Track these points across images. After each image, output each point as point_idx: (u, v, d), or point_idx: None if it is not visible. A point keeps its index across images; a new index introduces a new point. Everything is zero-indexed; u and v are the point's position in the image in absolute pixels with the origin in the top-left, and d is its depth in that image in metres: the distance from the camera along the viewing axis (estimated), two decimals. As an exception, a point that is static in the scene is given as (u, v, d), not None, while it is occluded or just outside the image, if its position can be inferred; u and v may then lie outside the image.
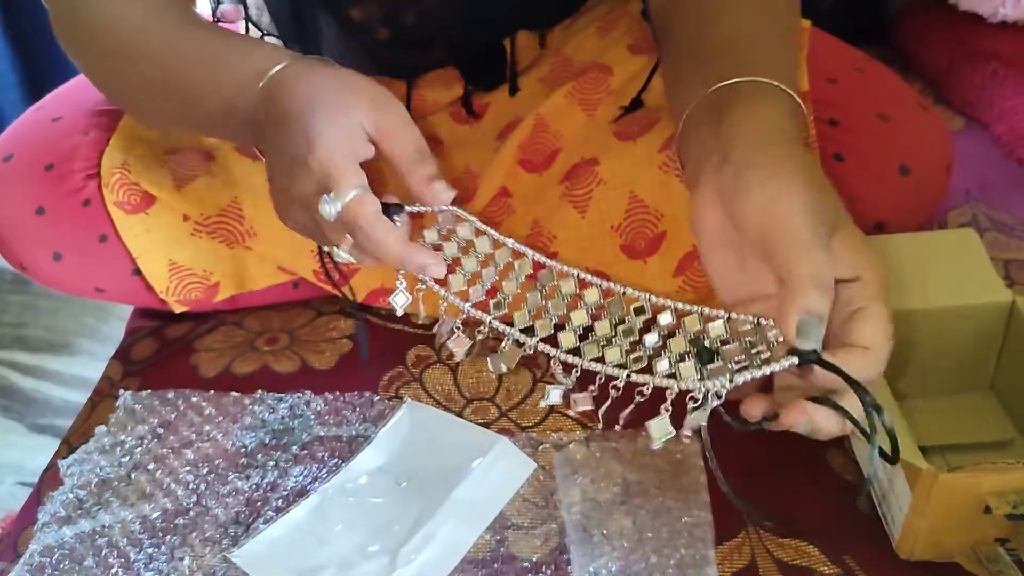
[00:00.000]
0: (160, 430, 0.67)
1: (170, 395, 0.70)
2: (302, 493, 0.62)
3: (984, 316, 0.62)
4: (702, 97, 0.55)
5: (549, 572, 0.56)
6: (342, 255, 0.57)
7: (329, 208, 0.52)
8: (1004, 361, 0.64)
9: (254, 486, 0.62)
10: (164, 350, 0.76)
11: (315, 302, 0.79)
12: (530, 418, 0.67)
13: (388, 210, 0.55)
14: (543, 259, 0.56)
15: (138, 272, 0.74)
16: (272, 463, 0.64)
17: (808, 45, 0.75)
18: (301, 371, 0.72)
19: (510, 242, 0.57)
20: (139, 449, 0.66)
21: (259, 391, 0.69)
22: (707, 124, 0.53)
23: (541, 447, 0.64)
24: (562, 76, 0.76)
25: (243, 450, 0.65)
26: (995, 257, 0.84)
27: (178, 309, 0.76)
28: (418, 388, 0.70)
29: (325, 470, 0.63)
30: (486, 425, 0.67)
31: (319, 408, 0.68)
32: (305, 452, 0.65)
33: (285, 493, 0.62)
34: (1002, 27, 1.05)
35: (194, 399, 0.69)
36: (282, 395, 0.69)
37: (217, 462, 0.64)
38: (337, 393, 0.69)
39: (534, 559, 0.57)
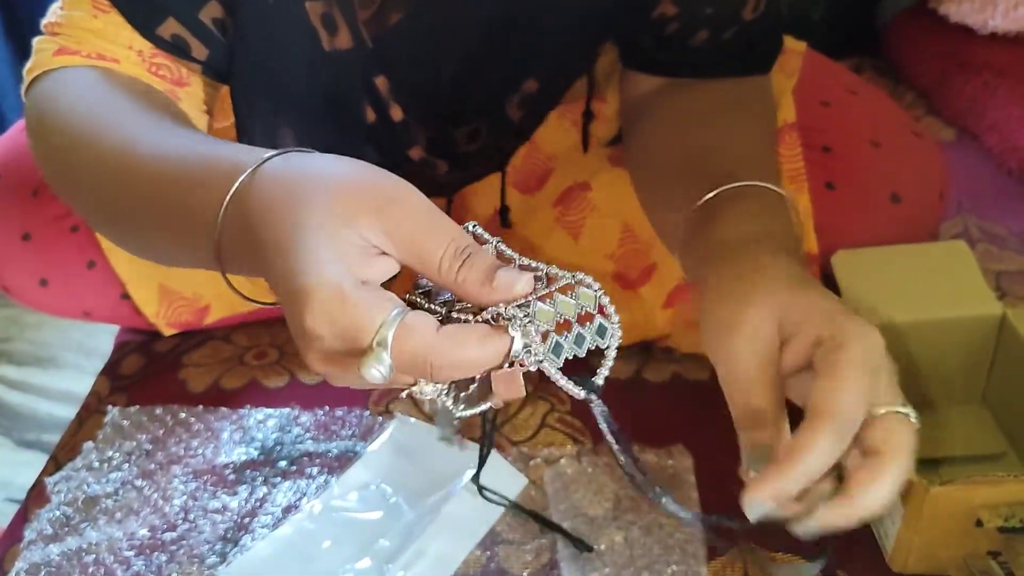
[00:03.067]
0: (148, 446, 0.67)
1: (158, 411, 0.69)
2: (291, 509, 0.61)
3: (975, 328, 0.62)
4: (687, 218, 0.53)
5: (540, 588, 0.56)
6: (427, 390, 0.42)
7: (374, 371, 0.37)
8: (995, 373, 0.64)
9: (242, 502, 0.62)
10: (152, 365, 0.75)
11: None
12: (522, 433, 0.67)
13: (430, 299, 0.41)
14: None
15: (127, 296, 0.74)
16: (260, 479, 0.63)
17: (801, 67, 0.75)
18: (290, 385, 0.72)
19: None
20: (127, 465, 0.65)
21: (247, 406, 0.69)
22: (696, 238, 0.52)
23: (532, 462, 0.64)
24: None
25: (231, 466, 0.64)
26: (986, 269, 0.84)
27: (168, 332, 0.76)
28: (408, 403, 0.70)
29: (314, 486, 0.63)
30: (477, 441, 0.66)
31: (308, 423, 0.67)
32: (294, 468, 0.64)
33: (274, 509, 0.61)
34: (992, 38, 1.06)
35: (182, 415, 0.69)
36: (271, 410, 0.69)
37: (205, 478, 0.64)
38: (327, 408, 0.69)
39: (525, 575, 0.56)
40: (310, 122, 0.62)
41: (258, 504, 0.62)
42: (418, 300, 0.41)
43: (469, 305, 0.40)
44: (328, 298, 0.37)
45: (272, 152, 0.42)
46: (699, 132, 0.61)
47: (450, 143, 0.67)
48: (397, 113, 0.63)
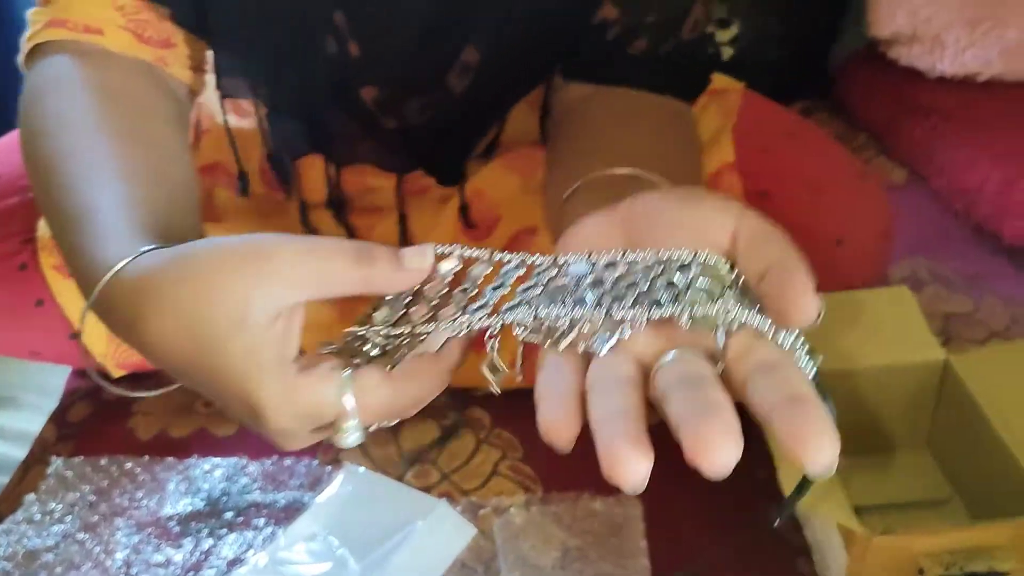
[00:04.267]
0: (92, 498, 0.65)
1: (103, 461, 0.68)
2: (236, 562, 0.60)
3: (918, 375, 0.63)
4: (595, 176, 0.52)
5: (486, 642, 0.55)
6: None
7: (351, 439, 0.39)
8: (939, 419, 0.65)
9: (187, 555, 0.61)
10: (100, 412, 0.74)
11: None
12: (472, 481, 0.67)
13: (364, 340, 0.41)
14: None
15: (76, 336, 0.73)
16: (206, 531, 0.63)
17: (739, 111, 0.76)
18: (239, 434, 0.71)
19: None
20: (69, 518, 0.64)
21: (194, 456, 0.68)
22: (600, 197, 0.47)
23: (481, 511, 0.64)
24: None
25: (176, 518, 0.64)
26: (935, 311, 0.86)
27: (117, 373, 0.75)
28: (358, 452, 0.69)
29: (260, 537, 0.62)
30: (427, 489, 0.66)
31: (256, 473, 0.67)
32: (240, 519, 0.64)
33: (219, 563, 0.61)
34: (940, 82, 1.08)
35: (128, 465, 0.68)
36: (218, 460, 0.68)
37: (149, 531, 0.63)
38: (275, 458, 0.68)
39: (471, 628, 0.56)
40: (275, 54, 0.63)
41: (203, 557, 0.61)
42: (358, 339, 0.41)
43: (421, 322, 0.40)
44: (278, 398, 0.38)
45: (119, 265, 0.41)
46: (617, 133, 0.61)
47: (401, 106, 0.68)
48: (354, 48, 0.63)
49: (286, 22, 0.62)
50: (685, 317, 0.36)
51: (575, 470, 0.63)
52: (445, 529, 0.62)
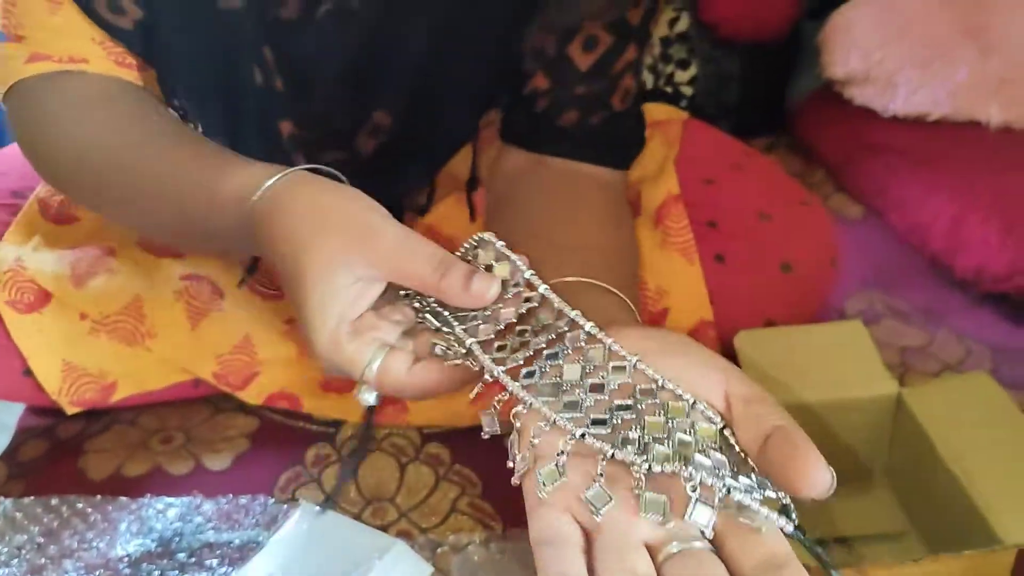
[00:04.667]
0: (40, 539, 0.64)
1: (54, 501, 0.67)
2: (188, 604, 0.59)
3: (872, 408, 0.64)
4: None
5: None
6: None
7: (364, 398, 0.49)
8: (894, 452, 0.66)
9: (137, 599, 0.60)
10: (53, 451, 0.73)
11: (214, 398, 0.77)
12: (431, 519, 0.66)
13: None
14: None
15: (29, 372, 0.71)
16: (157, 573, 0.61)
17: (684, 141, 0.77)
18: (195, 472, 0.70)
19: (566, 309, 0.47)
20: (16, 561, 0.62)
21: (147, 495, 0.67)
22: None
23: (440, 549, 0.63)
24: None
25: (127, 559, 0.62)
26: (891, 344, 0.87)
27: (71, 411, 0.73)
28: (316, 489, 0.68)
29: (214, 578, 0.61)
30: (385, 527, 0.65)
31: (210, 512, 0.66)
32: (193, 560, 0.62)
33: (170, 605, 0.59)
34: (893, 121, 1.11)
35: (79, 505, 0.66)
36: (171, 499, 0.67)
37: (98, 573, 0.61)
38: (230, 496, 0.67)
39: (427, 668, 0.55)
40: (202, 80, 0.65)
41: (154, 600, 0.60)
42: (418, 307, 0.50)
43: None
44: (326, 345, 0.47)
45: (275, 177, 0.50)
46: (555, 230, 0.61)
47: (313, 147, 0.69)
48: (279, 84, 0.65)
49: (219, 50, 0.63)
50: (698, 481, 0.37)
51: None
52: (402, 568, 0.61)
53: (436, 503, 0.67)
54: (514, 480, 0.41)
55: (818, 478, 0.36)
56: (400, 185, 0.75)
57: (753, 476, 0.39)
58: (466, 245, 0.51)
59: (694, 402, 0.41)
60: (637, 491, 0.38)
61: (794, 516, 0.38)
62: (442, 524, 0.66)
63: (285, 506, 0.66)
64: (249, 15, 0.61)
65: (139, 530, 0.64)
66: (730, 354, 0.72)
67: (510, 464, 0.42)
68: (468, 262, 0.50)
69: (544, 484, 0.39)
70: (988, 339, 0.87)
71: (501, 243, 0.50)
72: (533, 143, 0.67)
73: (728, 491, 0.37)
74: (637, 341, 0.43)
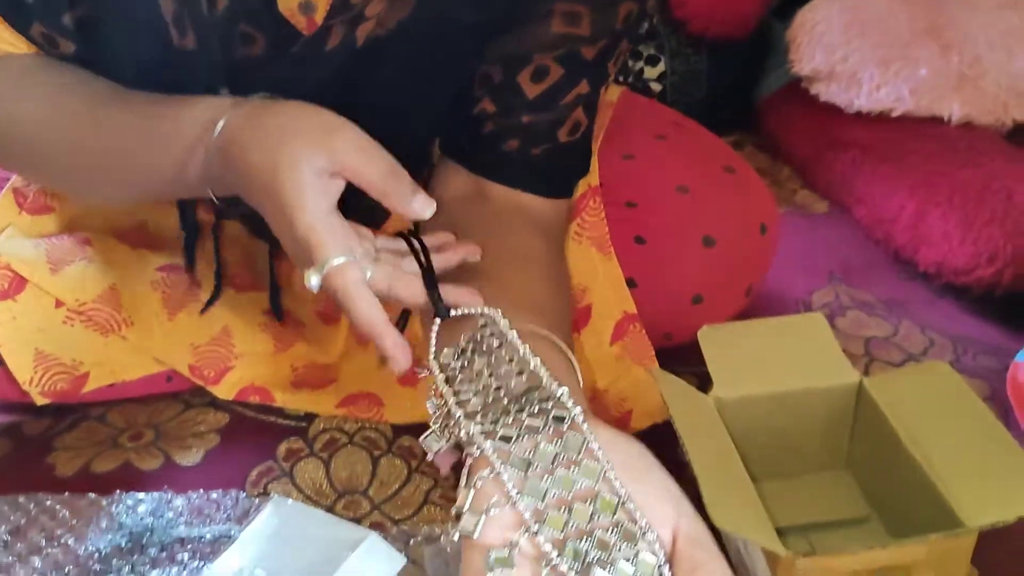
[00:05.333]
0: (7, 537, 0.63)
1: (21, 499, 0.66)
2: (160, 599, 0.59)
3: (834, 397, 0.65)
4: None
5: (415, 671, 0.55)
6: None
7: (311, 281, 0.51)
8: (856, 439, 0.67)
9: (107, 594, 0.60)
10: (20, 449, 0.72)
11: (184, 394, 0.77)
12: (403, 511, 0.66)
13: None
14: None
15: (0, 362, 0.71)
16: (128, 568, 0.61)
17: (614, 115, 0.76)
18: (165, 468, 0.70)
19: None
20: (-16, 558, 0.62)
21: (117, 491, 0.67)
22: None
23: (412, 540, 0.63)
24: None
25: (97, 555, 0.62)
26: (856, 335, 0.89)
27: (40, 401, 0.73)
28: (288, 483, 0.68)
29: (185, 573, 0.61)
30: (358, 519, 0.66)
31: (181, 507, 0.66)
32: (164, 555, 0.62)
33: (141, 600, 0.59)
34: (858, 117, 1.13)
35: (47, 502, 0.66)
36: (142, 495, 0.66)
37: (68, 570, 0.61)
38: (201, 491, 0.67)
39: (400, 657, 0.56)
40: None
41: (124, 595, 0.60)
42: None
43: None
44: (307, 222, 0.50)
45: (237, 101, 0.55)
46: (506, 276, 0.60)
47: None
48: None
49: (169, 87, 0.61)
50: None
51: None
52: (375, 560, 0.61)
53: (409, 495, 0.68)
54: (452, 534, 0.43)
55: None
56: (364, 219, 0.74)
57: None
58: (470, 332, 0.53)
59: (646, 531, 0.42)
60: None
61: None
62: (415, 516, 0.66)
63: (257, 500, 0.66)
64: (205, 55, 0.60)
65: (109, 526, 0.64)
66: (660, 344, 0.73)
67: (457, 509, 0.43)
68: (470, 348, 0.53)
69: (492, 567, 0.41)
70: (950, 330, 0.89)
71: (505, 322, 0.52)
72: (474, 164, 0.67)
73: None
74: (607, 444, 0.45)
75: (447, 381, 0.51)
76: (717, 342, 0.67)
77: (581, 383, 0.52)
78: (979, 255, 0.90)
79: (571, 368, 0.53)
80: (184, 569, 0.61)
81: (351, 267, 0.50)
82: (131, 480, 0.68)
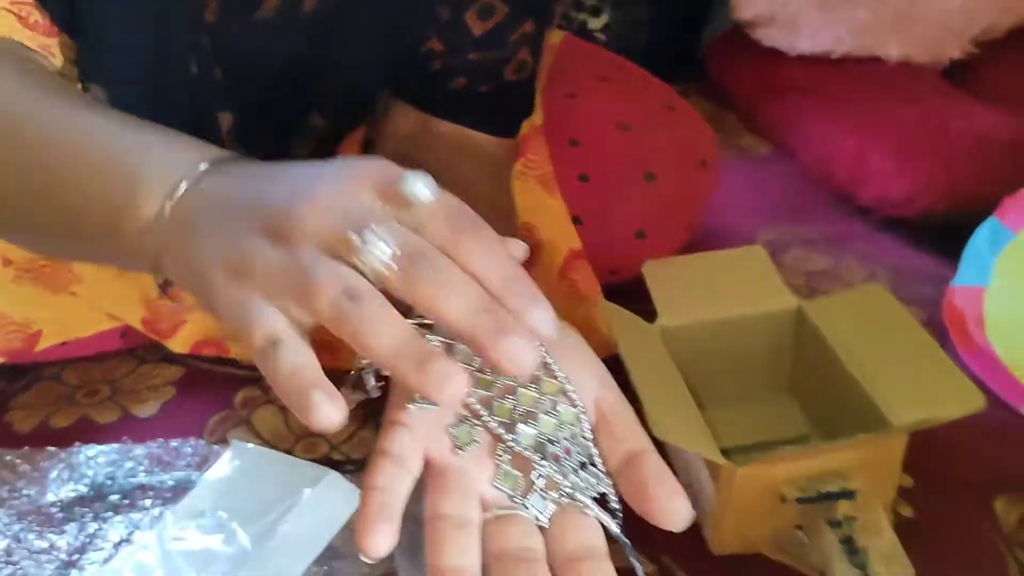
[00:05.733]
0: (-32, 492, 0.64)
1: (-20, 455, 0.67)
2: (123, 544, 0.60)
3: (774, 323, 0.67)
4: None
5: (377, 598, 0.57)
6: None
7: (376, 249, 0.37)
8: (798, 364, 0.69)
9: (71, 540, 0.60)
10: (-24, 408, 0.73)
11: (139, 350, 0.77)
12: (361, 450, 0.68)
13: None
14: None
15: None
16: (91, 515, 0.62)
17: (556, 57, 0.77)
18: (122, 420, 0.70)
19: None
20: (-56, 514, 0.63)
21: (76, 443, 0.67)
22: None
23: (370, 477, 0.65)
24: None
25: (59, 504, 0.63)
26: (798, 269, 0.91)
27: None
28: (246, 430, 0.69)
29: (148, 518, 0.62)
30: (317, 460, 0.67)
31: (141, 456, 0.66)
32: (127, 502, 0.63)
33: (104, 545, 0.60)
34: (799, 60, 1.15)
35: (7, 457, 0.66)
36: (102, 446, 0.67)
37: (31, 519, 0.62)
38: (160, 440, 0.68)
39: (361, 587, 0.57)
40: (130, 62, 0.61)
41: (88, 540, 0.60)
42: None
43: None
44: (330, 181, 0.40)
45: (201, 167, 0.43)
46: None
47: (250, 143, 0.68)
48: (218, 73, 0.63)
49: (152, 39, 0.61)
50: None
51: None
52: (335, 496, 0.62)
53: (367, 436, 0.69)
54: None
55: (682, 514, 0.39)
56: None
57: (597, 465, 0.43)
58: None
59: (566, 384, 0.43)
60: (499, 460, 0.41)
61: (619, 517, 0.41)
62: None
63: (216, 446, 0.67)
64: (187, 3, 0.59)
65: (70, 477, 0.65)
66: (606, 280, 0.75)
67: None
68: None
69: (415, 400, 0.41)
70: (889, 261, 0.92)
71: None
72: (422, 102, 0.68)
73: (571, 495, 0.41)
74: None
75: None
76: (661, 275, 0.69)
77: None
78: (916, 187, 0.93)
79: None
80: (146, 514, 0.62)
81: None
82: (90, 433, 0.69)
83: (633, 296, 0.69)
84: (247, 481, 0.64)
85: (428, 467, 0.41)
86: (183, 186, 0.42)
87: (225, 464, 0.65)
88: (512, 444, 0.41)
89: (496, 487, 0.41)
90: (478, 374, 0.43)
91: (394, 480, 0.38)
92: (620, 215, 0.75)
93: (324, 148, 0.71)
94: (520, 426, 0.42)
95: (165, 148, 0.46)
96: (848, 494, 0.55)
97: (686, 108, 0.81)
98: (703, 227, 0.84)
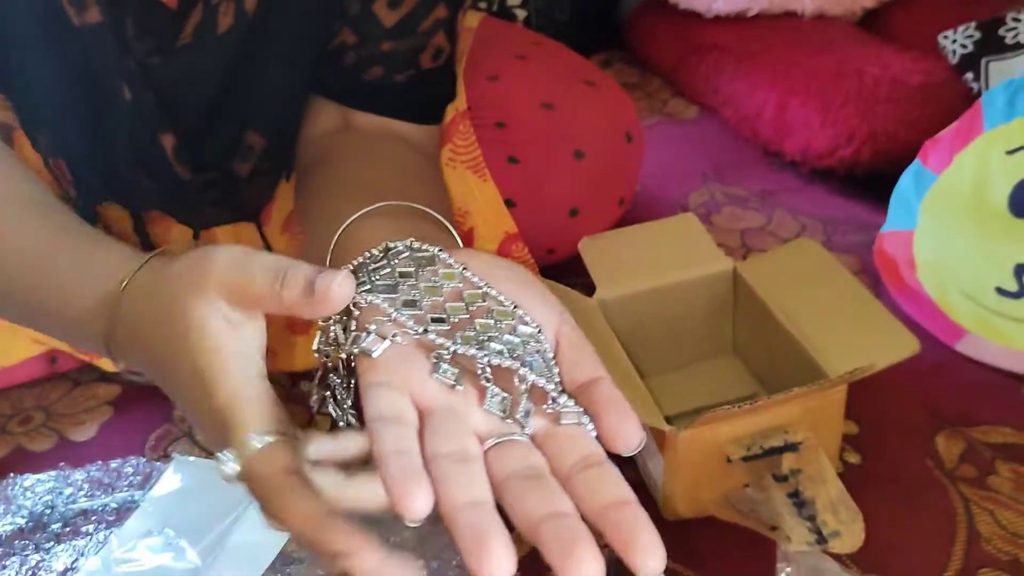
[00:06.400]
0: (-100, 536, 0.62)
1: (-89, 496, 0.64)
2: (69, 572, 0.59)
3: (712, 285, 0.68)
4: (379, 208, 0.50)
5: (334, 600, 0.56)
6: None
7: (227, 467, 0.40)
8: (738, 325, 0.70)
9: (12, 575, 0.59)
10: (-96, 447, 0.70)
11: (72, 373, 0.75)
12: (308, 452, 0.67)
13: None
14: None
15: None
16: (31, 547, 0.60)
17: (474, 41, 0.76)
18: (58, 446, 0.68)
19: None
20: None
21: (11, 474, 0.65)
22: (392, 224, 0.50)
23: (319, 478, 0.64)
24: None
25: (-3, 540, 0.61)
26: (732, 228, 0.92)
27: None
28: (188, 443, 0.68)
29: (93, 543, 0.60)
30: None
31: (80, 481, 0.64)
32: (68, 529, 0.61)
33: (50, 575, 0.59)
34: (717, 21, 1.15)
35: (-61, 496, 0.64)
36: (38, 475, 0.65)
37: (-31, 558, 0.60)
38: (99, 463, 0.66)
39: (318, 590, 0.57)
40: (65, 101, 0.61)
41: (31, 574, 0.59)
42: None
43: None
44: (227, 394, 0.41)
45: (136, 266, 0.46)
46: (381, 186, 0.59)
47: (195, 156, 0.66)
48: (152, 97, 0.62)
49: (80, 66, 0.59)
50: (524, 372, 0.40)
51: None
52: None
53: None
54: (342, 354, 0.42)
55: (632, 437, 0.38)
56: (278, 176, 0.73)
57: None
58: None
59: (515, 307, 0.43)
60: (484, 382, 0.40)
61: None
62: (320, 455, 0.66)
63: (158, 463, 0.66)
64: (111, 29, 0.57)
65: (7, 510, 0.63)
66: (544, 260, 0.75)
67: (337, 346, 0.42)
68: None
69: (372, 350, 0.40)
70: (819, 213, 0.93)
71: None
72: (339, 96, 0.66)
73: (559, 392, 0.40)
74: (486, 266, 0.44)
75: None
76: (597, 249, 0.69)
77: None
78: (838, 137, 0.94)
79: (453, 242, 0.52)
80: (91, 540, 0.61)
81: (281, 450, 0.40)
82: (24, 463, 0.67)
83: (572, 272, 0.69)
84: (192, 495, 0.62)
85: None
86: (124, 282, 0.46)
87: (168, 480, 0.64)
88: (487, 359, 0.40)
89: (487, 410, 0.40)
90: (430, 315, 0.42)
91: (403, 439, 0.37)
92: (552, 194, 0.75)
93: (267, 169, 0.69)
94: (490, 344, 0.41)
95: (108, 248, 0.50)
96: (792, 447, 0.55)
97: (607, 82, 0.81)
98: (635, 197, 0.84)
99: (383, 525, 0.60)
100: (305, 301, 0.41)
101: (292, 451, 0.40)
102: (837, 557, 0.52)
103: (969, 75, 0.97)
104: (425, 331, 0.41)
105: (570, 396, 0.41)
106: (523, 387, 0.40)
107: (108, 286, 0.47)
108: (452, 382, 0.40)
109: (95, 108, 0.62)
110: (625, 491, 0.36)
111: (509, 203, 0.74)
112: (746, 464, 0.57)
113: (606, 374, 0.41)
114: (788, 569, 0.52)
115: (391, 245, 0.45)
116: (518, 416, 0.40)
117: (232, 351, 0.41)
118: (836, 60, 1.00)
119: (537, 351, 0.42)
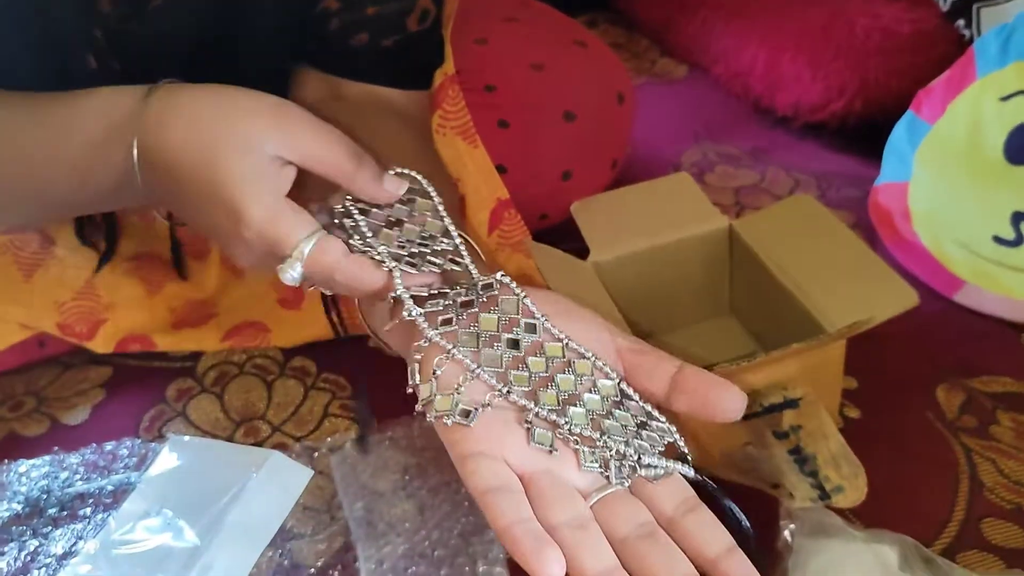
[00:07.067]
0: None
1: (-96, 485, 0.64)
2: (68, 556, 0.58)
3: (707, 244, 0.67)
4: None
5: (336, 573, 0.56)
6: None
7: (291, 274, 0.46)
8: (736, 284, 0.69)
9: (12, 561, 0.58)
10: None
11: (63, 357, 0.74)
12: (304, 427, 0.66)
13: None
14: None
15: None
16: (29, 532, 0.60)
17: (460, 3, 0.74)
18: (52, 431, 0.68)
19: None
20: None
21: (5, 460, 0.64)
22: None
23: (317, 454, 0.63)
24: None
25: (-6, 526, 0.60)
26: (725, 186, 0.91)
27: None
28: (183, 422, 0.67)
29: (91, 526, 0.60)
30: (260, 444, 0.65)
31: (76, 465, 0.64)
32: (66, 513, 0.61)
33: (48, 560, 0.58)
34: (705, -24, 1.13)
35: (-67, 484, 0.63)
36: (33, 460, 0.64)
37: (-34, 545, 0.59)
38: (93, 445, 0.65)
39: (319, 564, 0.56)
40: (30, 72, 0.59)
41: (30, 559, 0.58)
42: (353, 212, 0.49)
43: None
44: (263, 217, 0.46)
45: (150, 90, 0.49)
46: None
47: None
48: (116, 64, 0.60)
49: (44, 37, 0.57)
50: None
51: (408, 398, 0.64)
52: (281, 477, 0.61)
53: (307, 412, 0.67)
54: (417, 407, 0.44)
55: (734, 402, 0.42)
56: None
57: (654, 424, 0.45)
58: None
59: (595, 359, 0.45)
60: (575, 447, 0.42)
61: (690, 460, 0.44)
62: (317, 430, 0.66)
63: (153, 444, 0.65)
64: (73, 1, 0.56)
65: (1, 496, 0.62)
66: (537, 226, 0.75)
67: (410, 390, 0.44)
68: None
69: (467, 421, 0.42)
70: (813, 168, 0.92)
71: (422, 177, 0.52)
72: (325, 64, 0.65)
73: (638, 456, 0.42)
74: (542, 303, 0.47)
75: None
76: (590, 212, 0.68)
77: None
78: (830, 90, 0.93)
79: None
80: (88, 523, 0.60)
81: (330, 241, 0.46)
82: (18, 449, 0.66)
83: (565, 237, 0.68)
84: (189, 475, 0.62)
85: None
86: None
87: (164, 460, 0.63)
88: (568, 426, 0.42)
89: (588, 469, 0.42)
90: (514, 371, 0.44)
91: (519, 507, 0.39)
92: (544, 158, 0.73)
93: None
94: (570, 408, 0.43)
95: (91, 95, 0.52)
96: (792, 403, 0.55)
97: (596, 43, 0.80)
98: (627, 159, 0.83)
99: (384, 498, 0.60)
100: (373, 185, 0.49)
101: (336, 238, 0.46)
102: (840, 512, 0.52)
103: (960, 22, 0.95)
104: (509, 391, 0.43)
105: (657, 409, 0.45)
106: (608, 454, 0.42)
107: (137, 94, 0.49)
108: (549, 449, 0.42)
109: (61, 76, 0.59)
110: (725, 536, 0.39)
111: (500, 169, 0.73)
112: (746, 422, 0.56)
113: (680, 361, 0.44)
114: (792, 526, 0.52)
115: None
116: (620, 475, 0.42)
117: (266, 181, 0.46)
118: (826, 12, 0.99)
119: (617, 405, 0.44)
